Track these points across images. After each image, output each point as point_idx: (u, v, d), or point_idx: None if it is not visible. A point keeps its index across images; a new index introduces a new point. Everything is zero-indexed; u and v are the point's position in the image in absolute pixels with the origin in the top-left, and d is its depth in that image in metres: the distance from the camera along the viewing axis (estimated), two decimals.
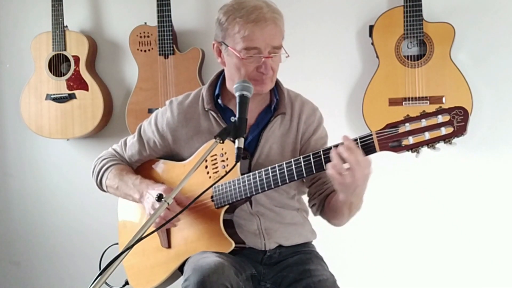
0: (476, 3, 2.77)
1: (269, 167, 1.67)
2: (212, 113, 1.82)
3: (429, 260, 2.87)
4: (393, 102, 2.70)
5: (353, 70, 2.90)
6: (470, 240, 2.83)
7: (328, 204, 1.79)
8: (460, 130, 1.44)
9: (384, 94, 2.72)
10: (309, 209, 1.97)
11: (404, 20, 2.68)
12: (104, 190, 1.96)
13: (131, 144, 1.94)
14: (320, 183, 1.82)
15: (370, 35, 2.78)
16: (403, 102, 2.69)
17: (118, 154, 1.97)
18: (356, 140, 1.54)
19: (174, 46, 2.95)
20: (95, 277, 1.25)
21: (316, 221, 1.98)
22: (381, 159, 1.64)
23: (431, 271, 2.87)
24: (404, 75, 2.70)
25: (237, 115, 1.62)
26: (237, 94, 1.66)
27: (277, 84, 1.87)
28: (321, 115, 1.91)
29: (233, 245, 1.70)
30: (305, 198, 1.97)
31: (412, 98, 2.68)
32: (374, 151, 1.54)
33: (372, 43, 2.77)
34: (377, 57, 2.76)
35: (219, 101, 1.85)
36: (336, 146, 1.57)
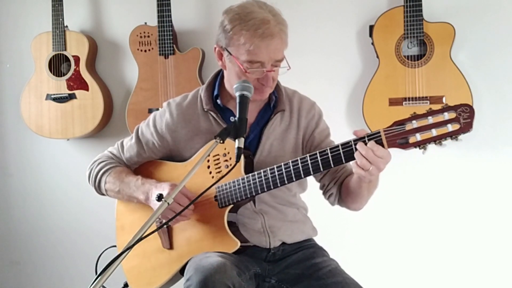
0: (476, 3, 2.77)
1: (275, 166, 1.68)
2: (212, 113, 1.83)
3: (429, 257, 2.88)
4: (393, 102, 2.70)
5: (353, 70, 2.90)
6: (470, 238, 2.83)
7: (346, 190, 1.81)
8: (466, 127, 1.47)
9: (384, 94, 2.72)
10: (307, 206, 1.98)
11: (404, 20, 2.68)
12: (102, 194, 1.95)
13: (129, 146, 1.93)
14: (332, 171, 1.83)
15: (370, 35, 2.78)
16: (403, 102, 2.69)
17: (115, 157, 1.95)
18: (364, 137, 1.55)
19: (174, 46, 2.95)
20: (94, 280, 1.25)
21: (316, 219, 1.99)
22: None
23: (431, 268, 2.87)
24: (404, 75, 2.70)
25: (237, 115, 1.62)
26: (237, 94, 1.67)
27: None
28: (320, 109, 1.93)
29: (239, 244, 1.71)
30: (303, 196, 1.98)
31: (412, 98, 2.68)
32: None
33: (372, 43, 2.77)
34: (377, 57, 2.76)
35: (218, 101, 1.85)
36: (344, 144, 1.59)
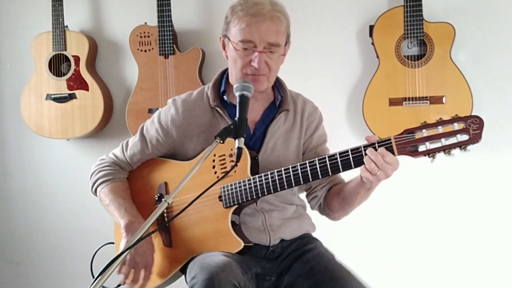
0: (476, 3, 2.77)
1: (282, 168, 1.69)
2: (218, 109, 1.84)
3: (429, 257, 2.87)
4: (393, 102, 2.70)
5: (353, 70, 2.90)
6: (469, 240, 2.83)
7: (334, 196, 1.83)
8: (475, 138, 1.52)
9: (384, 94, 2.72)
10: (307, 204, 1.99)
11: (404, 20, 2.68)
12: (96, 196, 1.98)
13: (133, 144, 1.94)
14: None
15: (370, 35, 2.78)
16: (403, 102, 2.69)
17: (117, 159, 1.95)
18: (374, 144, 1.59)
19: (174, 46, 2.95)
20: (94, 279, 1.25)
21: (317, 219, 1.99)
22: None
23: (431, 273, 2.87)
24: (404, 75, 2.70)
25: (237, 115, 1.63)
26: (237, 94, 1.69)
27: (280, 82, 1.92)
28: (321, 114, 1.96)
29: (242, 244, 1.71)
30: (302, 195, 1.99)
31: (412, 98, 2.68)
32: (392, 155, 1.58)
33: (372, 43, 2.77)
34: (377, 57, 2.76)
35: (225, 97, 1.87)
36: (354, 149, 1.61)
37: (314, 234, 1.97)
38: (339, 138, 1.94)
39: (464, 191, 2.83)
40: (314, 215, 1.99)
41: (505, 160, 2.79)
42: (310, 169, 1.66)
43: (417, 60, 2.70)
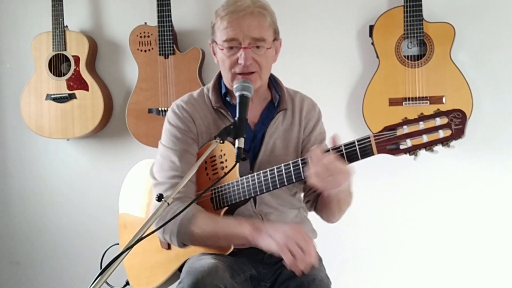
0: (476, 3, 2.77)
1: (268, 169, 1.68)
2: (222, 110, 1.83)
3: (428, 262, 2.87)
4: (393, 102, 2.70)
5: (353, 70, 2.90)
6: (469, 241, 2.83)
7: (321, 201, 1.83)
8: (458, 133, 1.44)
9: (384, 94, 2.72)
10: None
11: (404, 20, 2.68)
12: (183, 243, 1.75)
13: (182, 161, 1.76)
14: None
15: (370, 35, 2.78)
16: (403, 102, 2.69)
17: (179, 193, 1.61)
18: (353, 143, 1.55)
19: (174, 46, 2.94)
20: (96, 277, 1.25)
21: (317, 221, 1.99)
22: (378, 159, 1.63)
23: (430, 274, 2.87)
24: (404, 75, 2.70)
25: (237, 115, 1.63)
26: (237, 94, 1.68)
27: (277, 81, 1.90)
28: (320, 111, 1.94)
29: (232, 247, 1.71)
30: None
31: (412, 98, 2.68)
32: (371, 154, 1.54)
33: (372, 43, 2.77)
34: (377, 57, 2.76)
35: (228, 99, 1.85)
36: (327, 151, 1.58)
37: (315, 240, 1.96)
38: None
39: (464, 191, 2.83)
40: (315, 221, 1.98)
41: (505, 160, 2.79)
42: (294, 170, 1.63)
43: (417, 60, 2.70)
